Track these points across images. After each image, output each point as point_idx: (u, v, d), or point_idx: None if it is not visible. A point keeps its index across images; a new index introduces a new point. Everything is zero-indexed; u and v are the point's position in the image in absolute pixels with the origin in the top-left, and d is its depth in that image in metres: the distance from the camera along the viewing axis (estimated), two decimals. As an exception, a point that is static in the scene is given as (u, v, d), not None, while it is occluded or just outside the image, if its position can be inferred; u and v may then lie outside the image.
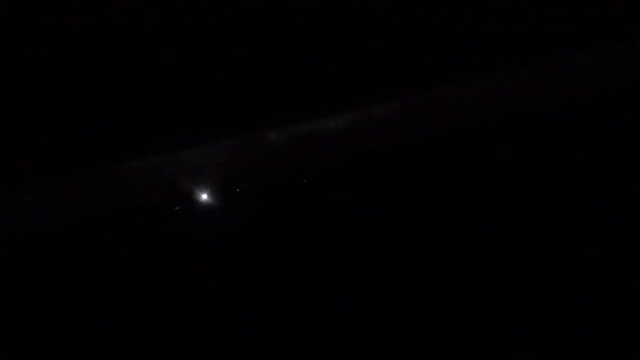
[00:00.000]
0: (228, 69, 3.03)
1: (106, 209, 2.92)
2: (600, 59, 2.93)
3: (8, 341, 2.83)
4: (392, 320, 2.89)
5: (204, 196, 2.97)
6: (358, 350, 2.87)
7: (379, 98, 2.95)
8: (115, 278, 2.92)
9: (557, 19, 2.99)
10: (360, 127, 2.96)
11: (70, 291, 2.90)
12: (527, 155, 2.97)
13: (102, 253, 2.93)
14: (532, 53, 2.93)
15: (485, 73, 2.92)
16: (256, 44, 3.03)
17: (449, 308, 2.90)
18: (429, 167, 2.99)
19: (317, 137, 2.97)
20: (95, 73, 2.97)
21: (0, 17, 2.89)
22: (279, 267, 2.96)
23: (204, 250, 2.96)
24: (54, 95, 2.97)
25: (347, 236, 2.98)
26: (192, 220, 2.97)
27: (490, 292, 2.89)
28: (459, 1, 3.00)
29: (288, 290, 2.93)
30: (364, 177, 3.01)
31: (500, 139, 2.97)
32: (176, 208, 2.96)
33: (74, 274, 2.91)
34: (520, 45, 2.95)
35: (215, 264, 2.95)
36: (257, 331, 2.88)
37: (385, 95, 2.96)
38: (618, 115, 2.99)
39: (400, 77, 3.00)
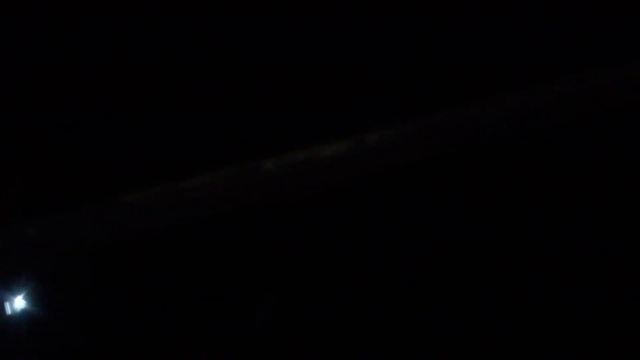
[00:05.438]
0: (223, 100, 3.03)
1: (105, 242, 2.92)
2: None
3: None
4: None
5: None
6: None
7: (373, 126, 2.99)
8: (114, 310, 2.92)
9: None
10: (355, 154, 3.00)
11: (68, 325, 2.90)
12: (525, 181, 3.04)
13: (99, 287, 2.93)
14: (529, 76, 2.99)
15: (477, 99, 2.97)
16: (251, 74, 3.04)
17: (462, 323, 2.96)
18: (422, 193, 3.04)
19: (312, 165, 3.00)
20: (95, 106, 2.96)
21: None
22: (275, 294, 2.99)
23: (204, 279, 2.98)
24: (48, 125, 2.95)
25: (342, 264, 3.02)
26: (191, 251, 2.98)
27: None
28: (450, 28, 3.04)
29: (291, 315, 2.98)
30: (360, 204, 3.05)
31: (496, 165, 3.03)
32: (173, 239, 2.97)
33: (72, 308, 2.90)
34: (518, 68, 3.01)
35: (214, 293, 2.97)
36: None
37: (380, 123, 2.99)
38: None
39: (393, 104, 3.04)
